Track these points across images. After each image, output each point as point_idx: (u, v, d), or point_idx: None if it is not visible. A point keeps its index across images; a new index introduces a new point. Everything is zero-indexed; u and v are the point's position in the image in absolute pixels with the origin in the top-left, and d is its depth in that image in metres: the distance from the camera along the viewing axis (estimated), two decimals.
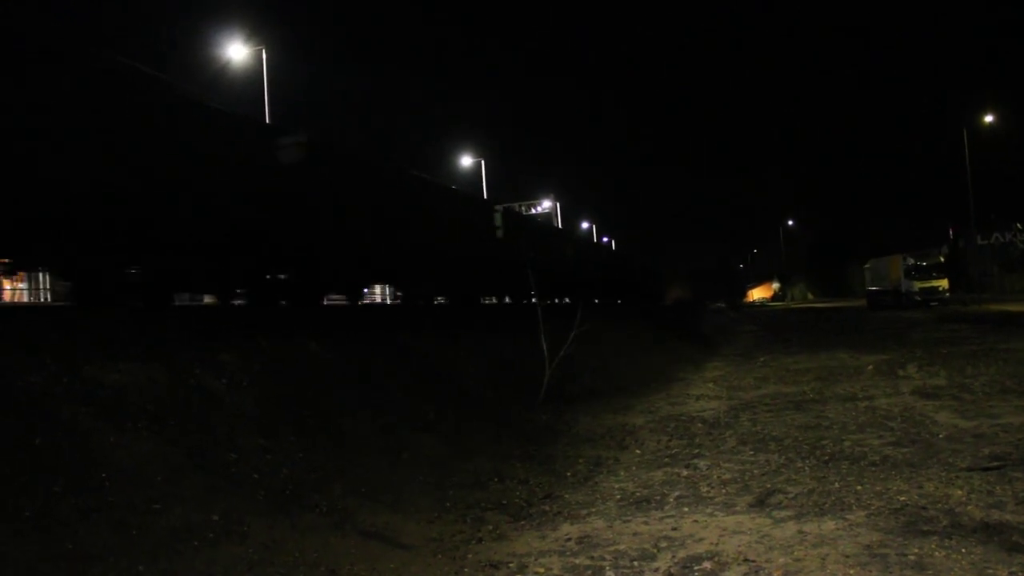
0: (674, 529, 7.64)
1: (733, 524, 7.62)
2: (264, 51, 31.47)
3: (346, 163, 17.78)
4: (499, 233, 26.32)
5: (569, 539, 7.61)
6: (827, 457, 10.07)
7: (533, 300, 18.03)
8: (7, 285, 21.21)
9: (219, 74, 30.99)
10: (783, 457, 10.34)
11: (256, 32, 34.91)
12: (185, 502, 7.16)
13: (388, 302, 28.08)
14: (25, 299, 21.82)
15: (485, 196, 46.04)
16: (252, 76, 31.50)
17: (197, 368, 9.93)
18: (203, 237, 12.99)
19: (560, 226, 62.63)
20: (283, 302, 15.70)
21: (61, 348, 8.55)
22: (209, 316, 13.91)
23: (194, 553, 6.43)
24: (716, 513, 8.09)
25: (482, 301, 27.22)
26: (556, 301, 30.07)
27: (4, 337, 8.74)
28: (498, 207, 29.55)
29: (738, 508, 8.20)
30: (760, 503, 8.30)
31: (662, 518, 8.08)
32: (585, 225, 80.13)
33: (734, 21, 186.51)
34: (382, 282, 24.63)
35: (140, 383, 8.94)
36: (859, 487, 8.46)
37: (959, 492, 7.93)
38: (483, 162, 51.39)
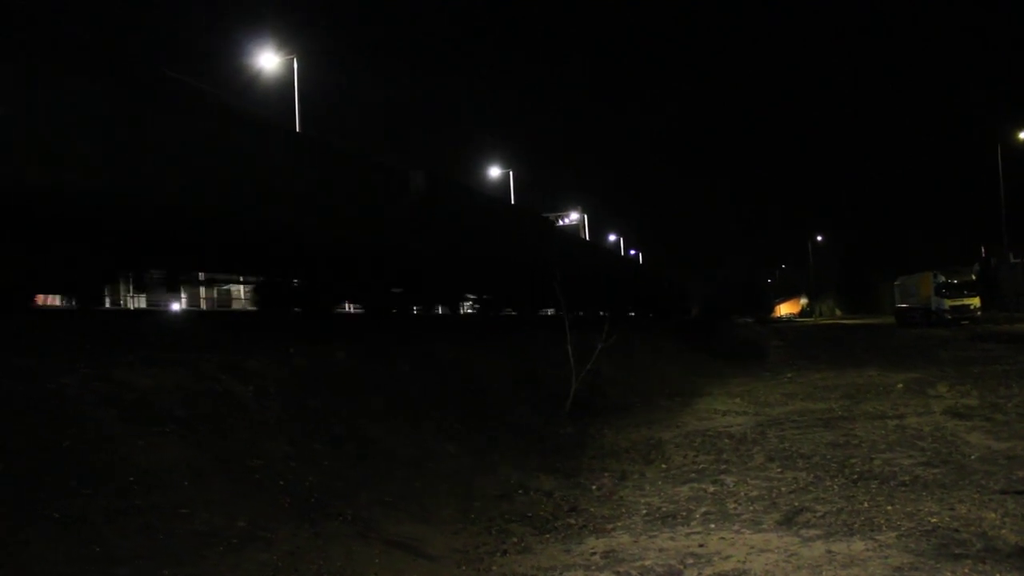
0: (701, 546, 7.56)
1: (760, 542, 7.54)
2: (295, 60, 31.80)
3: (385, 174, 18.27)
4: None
5: (594, 553, 7.55)
6: (856, 476, 9.94)
7: (561, 312, 17.98)
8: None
9: (251, 82, 31.35)
10: (811, 475, 10.22)
11: (287, 41, 35.14)
12: (211, 507, 7.18)
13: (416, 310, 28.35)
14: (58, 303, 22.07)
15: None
16: (284, 84, 31.84)
17: (224, 374, 9.98)
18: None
19: (587, 238, 62.58)
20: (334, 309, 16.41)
21: (93, 352, 8.63)
22: (238, 323, 14.12)
23: (219, 558, 6.44)
24: (743, 530, 8.00)
25: (511, 312, 27.37)
26: (583, 313, 30.02)
27: (38, 340, 8.84)
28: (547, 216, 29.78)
29: (765, 526, 8.11)
30: (788, 521, 8.20)
31: (688, 534, 8.01)
32: (612, 238, 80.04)
33: (765, 34, 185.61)
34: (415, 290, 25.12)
35: (168, 388, 9.00)
36: (889, 507, 8.33)
37: (992, 515, 7.79)
38: (511, 173, 51.50)
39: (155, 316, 16.01)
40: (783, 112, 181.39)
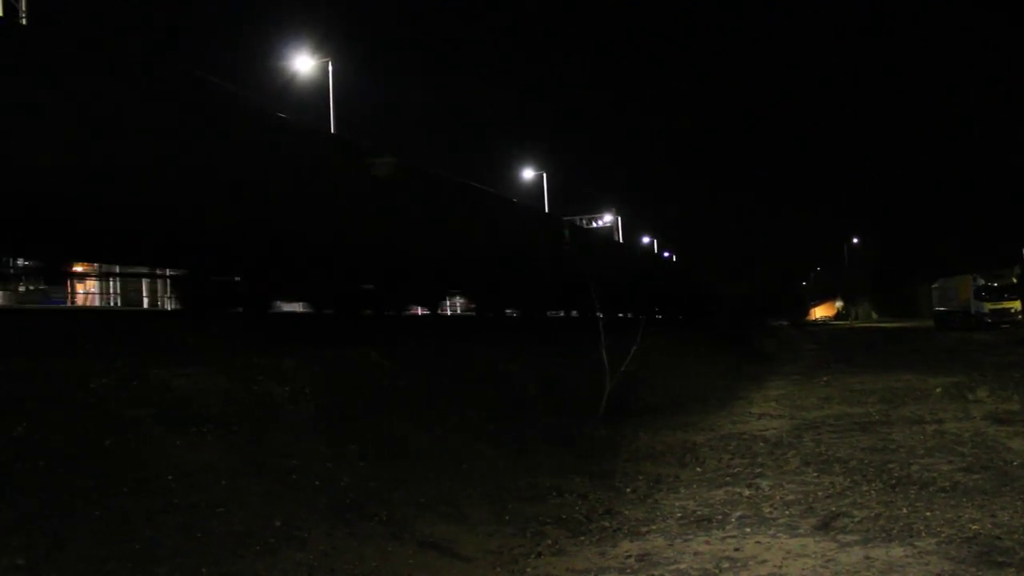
0: (736, 550, 7.51)
1: (797, 547, 7.47)
2: (330, 63, 31.99)
3: (426, 181, 18.64)
4: (565, 247, 26.59)
5: (629, 556, 7.52)
6: (894, 481, 9.82)
7: (595, 314, 17.97)
8: (80, 289, 21.82)
9: (287, 85, 31.59)
10: (848, 480, 10.11)
11: (322, 44, 35.35)
12: (247, 507, 7.25)
13: (455, 312, 28.65)
14: (97, 303, 22.44)
15: (547, 209, 46.16)
16: (319, 87, 32.04)
17: (260, 375, 10.07)
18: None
19: (621, 240, 62.41)
20: (368, 311, 16.40)
21: (131, 352, 8.75)
22: (272, 324, 14.25)
23: (255, 557, 6.50)
24: (779, 535, 7.94)
25: (547, 314, 27.50)
26: (617, 315, 30.00)
27: (78, 340, 8.97)
28: (567, 224, 29.86)
29: (802, 530, 8.04)
30: (825, 526, 8.12)
31: (724, 538, 7.95)
32: (646, 240, 79.74)
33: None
34: (456, 293, 25.49)
35: (205, 389, 9.10)
36: (928, 513, 8.23)
37: None
38: (545, 175, 51.51)
39: None
40: (820, 118, 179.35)
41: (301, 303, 18.44)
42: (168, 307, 19.36)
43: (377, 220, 15.90)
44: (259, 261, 13.46)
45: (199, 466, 7.52)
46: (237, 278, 13.91)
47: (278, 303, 17.46)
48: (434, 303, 20.59)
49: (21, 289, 14.37)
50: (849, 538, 7.60)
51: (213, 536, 6.60)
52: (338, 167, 15.11)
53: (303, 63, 31.86)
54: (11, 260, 11.26)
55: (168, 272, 14.96)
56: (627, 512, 9.28)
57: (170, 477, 7.22)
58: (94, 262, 15.36)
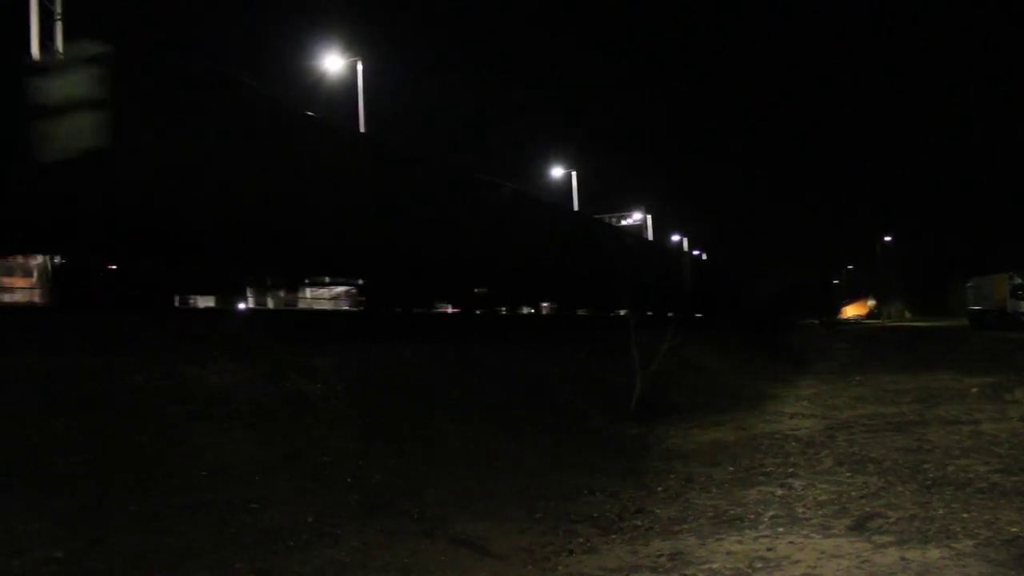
0: (769, 550, 7.44)
1: (831, 547, 7.39)
2: (360, 63, 32.08)
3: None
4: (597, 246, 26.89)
5: (661, 555, 7.48)
6: (929, 482, 9.69)
7: (624, 312, 17.97)
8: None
9: (315, 85, 31.75)
10: (882, 480, 9.99)
11: (352, 43, 35.49)
12: (279, 503, 7.32)
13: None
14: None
15: (576, 207, 46.10)
16: (348, 87, 32.18)
17: (292, 372, 10.16)
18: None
19: (650, 238, 62.15)
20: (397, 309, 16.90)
21: (166, 349, 8.84)
22: (307, 321, 14.42)
23: (288, 553, 6.55)
24: (812, 535, 7.85)
25: (577, 312, 27.55)
26: (647, 314, 29.97)
27: (112, 337, 9.08)
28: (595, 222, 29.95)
29: (836, 531, 7.95)
30: (859, 527, 8.03)
31: (756, 538, 7.89)
32: (675, 238, 79.34)
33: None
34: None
35: (238, 385, 9.20)
36: (965, 515, 8.10)
37: None
38: (574, 174, 51.42)
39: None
40: (853, 113, 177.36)
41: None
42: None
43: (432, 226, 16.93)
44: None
45: (232, 461, 7.60)
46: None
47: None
48: (465, 302, 20.87)
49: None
50: (884, 539, 7.51)
51: (246, 531, 6.67)
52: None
53: (332, 63, 32.00)
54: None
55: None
56: (659, 511, 9.24)
57: (204, 473, 7.31)
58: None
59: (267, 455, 8.09)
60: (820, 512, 8.69)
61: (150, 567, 5.78)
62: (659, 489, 10.42)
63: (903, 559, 6.85)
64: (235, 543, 6.43)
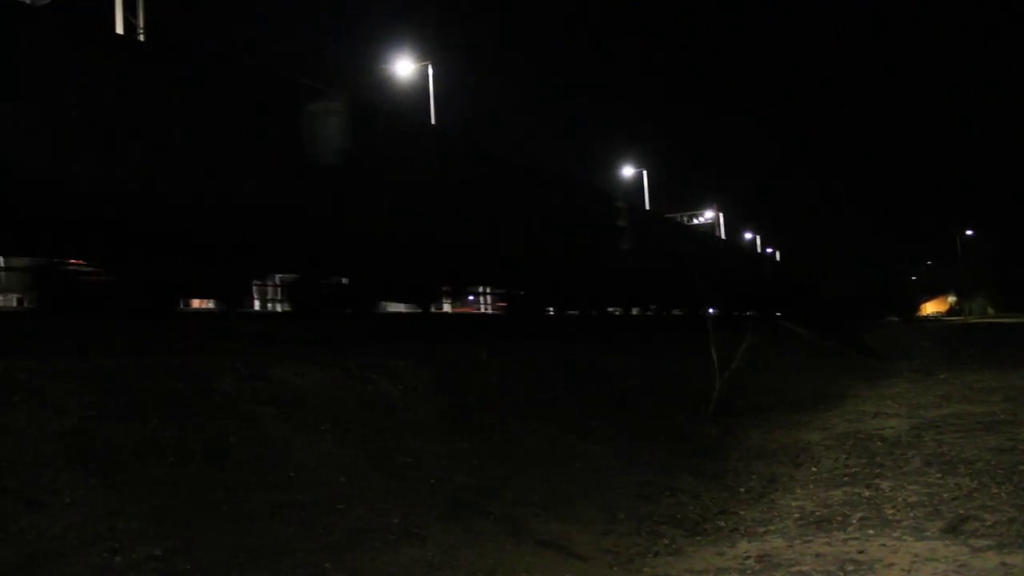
0: (860, 552, 7.27)
1: (925, 550, 7.18)
2: (430, 67, 32.38)
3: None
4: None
5: (748, 557, 7.37)
6: None
7: (701, 311, 17.79)
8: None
9: (384, 86, 32.20)
10: (975, 481, 9.67)
11: (421, 46, 35.84)
12: (365, 503, 7.37)
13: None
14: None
15: (647, 206, 45.82)
16: (418, 88, 32.50)
17: (373, 374, 10.25)
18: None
19: (723, 236, 61.42)
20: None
21: (252, 353, 9.02)
22: (385, 323, 14.63)
23: (375, 553, 6.60)
24: (905, 537, 7.65)
25: (649, 311, 27.51)
26: (723, 312, 29.71)
27: (203, 345, 9.31)
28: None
29: (929, 533, 7.73)
30: (953, 529, 7.79)
31: (846, 540, 7.71)
32: (748, 236, 78.24)
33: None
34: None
35: (321, 387, 9.32)
36: None
37: None
38: (645, 172, 51.09)
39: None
40: (933, 108, 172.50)
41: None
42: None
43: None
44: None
45: (319, 462, 7.71)
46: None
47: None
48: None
49: None
50: (981, 543, 7.27)
51: (334, 531, 6.74)
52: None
53: (403, 67, 32.35)
54: None
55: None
56: (743, 512, 9.11)
57: (291, 473, 7.42)
58: None
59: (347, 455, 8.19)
60: (911, 514, 8.46)
61: (243, 565, 5.89)
62: (741, 490, 10.27)
63: (1004, 564, 6.62)
64: (322, 543, 6.51)
